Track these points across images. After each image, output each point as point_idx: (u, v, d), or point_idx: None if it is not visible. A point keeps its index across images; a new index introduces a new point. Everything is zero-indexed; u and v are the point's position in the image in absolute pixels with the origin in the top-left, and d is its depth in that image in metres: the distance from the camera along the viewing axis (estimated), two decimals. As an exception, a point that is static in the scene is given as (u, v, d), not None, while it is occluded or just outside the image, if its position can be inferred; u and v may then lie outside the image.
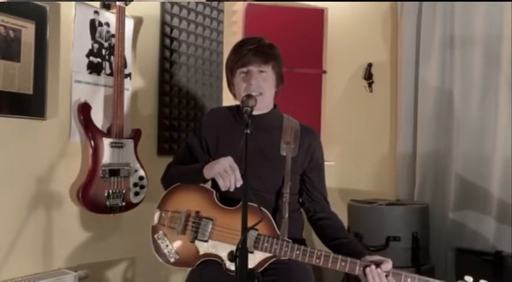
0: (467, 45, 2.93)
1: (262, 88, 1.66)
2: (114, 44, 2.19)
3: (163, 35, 2.52)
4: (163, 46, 2.52)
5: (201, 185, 1.71)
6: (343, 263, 1.50)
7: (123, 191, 2.14)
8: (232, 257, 1.56)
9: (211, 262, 1.62)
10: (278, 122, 1.76)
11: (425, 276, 1.44)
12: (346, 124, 3.28)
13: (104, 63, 2.22)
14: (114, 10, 2.17)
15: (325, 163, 1.83)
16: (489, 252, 2.64)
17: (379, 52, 3.29)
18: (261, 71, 1.67)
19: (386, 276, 1.45)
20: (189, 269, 1.70)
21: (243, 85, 1.66)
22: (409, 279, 1.44)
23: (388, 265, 1.47)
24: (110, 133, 2.12)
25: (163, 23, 2.52)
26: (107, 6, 2.22)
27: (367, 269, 1.47)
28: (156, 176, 1.86)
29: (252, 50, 1.65)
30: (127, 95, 2.28)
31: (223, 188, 1.57)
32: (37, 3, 1.94)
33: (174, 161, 1.88)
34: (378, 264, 1.47)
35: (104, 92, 2.20)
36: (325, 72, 3.22)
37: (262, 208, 1.51)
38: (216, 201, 1.67)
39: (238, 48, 1.70)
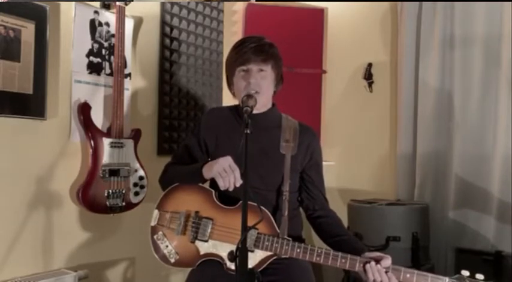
0: (467, 45, 2.93)
1: (260, 87, 1.66)
2: (114, 44, 2.19)
3: (163, 35, 2.52)
4: (163, 46, 2.52)
5: (200, 184, 1.71)
6: (343, 260, 1.50)
7: (123, 191, 2.14)
8: (232, 256, 1.56)
9: (212, 262, 1.61)
10: (277, 121, 1.76)
11: (424, 272, 1.46)
12: (346, 124, 3.28)
13: (103, 63, 2.22)
14: (114, 10, 2.16)
15: (325, 163, 1.84)
16: (489, 252, 2.63)
17: (379, 52, 3.29)
18: (261, 70, 1.67)
19: (386, 272, 1.47)
20: (189, 269, 1.70)
21: (243, 83, 1.67)
22: (408, 275, 1.46)
23: (387, 261, 1.48)
24: (110, 133, 2.11)
25: (163, 23, 2.52)
26: (106, 6, 2.22)
27: (367, 266, 1.48)
28: (156, 176, 1.86)
29: (252, 48, 1.66)
30: (127, 95, 2.28)
31: (222, 188, 1.57)
32: (37, 3, 1.94)
33: (172, 161, 1.88)
34: (377, 261, 1.48)
35: (104, 92, 2.20)
36: (325, 72, 3.22)
37: (262, 207, 1.51)
38: (216, 200, 1.66)
39: (238, 46, 1.70)
